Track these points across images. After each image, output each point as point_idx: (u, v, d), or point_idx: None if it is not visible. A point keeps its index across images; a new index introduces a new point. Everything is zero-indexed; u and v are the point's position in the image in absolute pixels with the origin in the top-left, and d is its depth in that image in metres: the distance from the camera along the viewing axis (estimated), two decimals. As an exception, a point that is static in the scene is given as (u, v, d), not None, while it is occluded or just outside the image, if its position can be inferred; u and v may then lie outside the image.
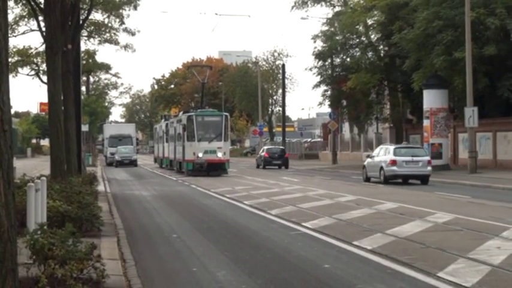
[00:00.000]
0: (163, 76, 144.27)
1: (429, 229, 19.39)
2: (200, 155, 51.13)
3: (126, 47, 63.14)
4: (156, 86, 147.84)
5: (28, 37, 79.55)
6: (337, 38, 70.00)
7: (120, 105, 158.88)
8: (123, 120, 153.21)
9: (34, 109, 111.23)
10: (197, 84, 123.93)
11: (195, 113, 55.17)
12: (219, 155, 51.72)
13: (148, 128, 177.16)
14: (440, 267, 13.29)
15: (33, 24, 43.31)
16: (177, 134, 60.52)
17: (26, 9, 41.70)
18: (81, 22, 38.01)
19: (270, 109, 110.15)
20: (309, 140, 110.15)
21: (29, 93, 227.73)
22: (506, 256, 14.51)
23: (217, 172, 52.05)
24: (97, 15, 52.46)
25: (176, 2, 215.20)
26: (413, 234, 18.33)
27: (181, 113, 64.74)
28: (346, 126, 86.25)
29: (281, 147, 76.72)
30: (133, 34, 61.13)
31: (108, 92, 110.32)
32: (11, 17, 42.50)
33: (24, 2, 37.59)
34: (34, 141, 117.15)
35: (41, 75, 61.64)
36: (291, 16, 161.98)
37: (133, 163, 76.39)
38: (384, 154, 43.43)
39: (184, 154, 54.48)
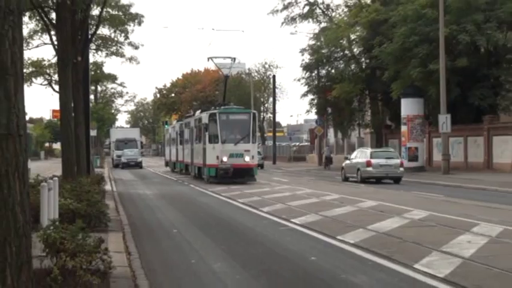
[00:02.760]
0: (164, 85, 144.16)
1: (406, 225, 19.42)
2: (225, 159, 39.63)
3: (130, 59, 63.05)
4: (158, 95, 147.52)
5: (41, 50, 79.84)
6: (323, 51, 70.12)
7: (125, 112, 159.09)
8: (128, 125, 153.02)
9: (47, 115, 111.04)
10: (195, 93, 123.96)
11: (218, 110, 42.59)
12: (247, 159, 40.19)
13: (151, 132, 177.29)
14: (416, 260, 13.31)
15: (46, 38, 43.18)
16: (196, 135, 48.29)
17: (40, 25, 41.54)
18: (89, 36, 37.96)
19: (261, 116, 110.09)
20: (297, 143, 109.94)
21: (42, 101, 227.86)
22: (476, 249, 14.58)
23: (244, 179, 40.77)
24: (104, 30, 52.45)
25: (176, 18, 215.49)
26: (392, 229, 18.36)
27: (198, 111, 51.36)
28: (331, 132, 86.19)
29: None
30: (137, 48, 61.06)
31: (115, 100, 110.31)
32: (25, 32, 42.46)
33: (37, 17, 37.36)
34: (47, 145, 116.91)
35: (53, 85, 61.48)
36: (281, 31, 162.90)
37: (138, 165, 75.00)
38: (360, 157, 44.71)
39: (205, 158, 42.26)
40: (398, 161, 43.87)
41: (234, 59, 50.15)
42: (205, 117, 43.09)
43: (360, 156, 45.05)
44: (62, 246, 10.57)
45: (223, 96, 54.17)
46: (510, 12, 50.34)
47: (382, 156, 43.69)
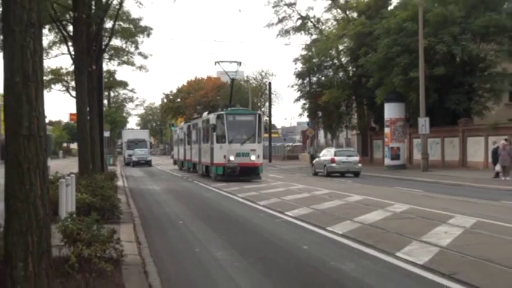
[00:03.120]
0: (171, 91, 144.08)
1: (389, 217, 19.41)
2: (232, 158, 38.17)
3: (140, 67, 63.03)
4: (165, 100, 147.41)
5: (60, 59, 79.91)
6: (314, 60, 70.10)
7: (135, 115, 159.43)
8: (138, 127, 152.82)
9: (65, 118, 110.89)
10: (198, 98, 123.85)
11: (225, 111, 40.84)
12: (253, 158, 38.61)
13: (159, 134, 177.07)
14: (398, 248, 13.35)
15: (63, 48, 43.09)
16: (203, 135, 46.14)
17: (58, 36, 41.45)
18: (103, 47, 37.89)
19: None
20: (290, 144, 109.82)
21: (60, 105, 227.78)
22: (452, 239, 14.60)
23: (250, 177, 38.99)
24: (116, 42, 52.28)
25: (182, 30, 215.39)
26: (376, 221, 18.38)
27: (205, 113, 49.83)
28: (321, 133, 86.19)
29: None
30: (146, 57, 61.01)
31: (126, 104, 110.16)
32: (45, 43, 42.33)
33: (56, 30, 37.34)
34: (65, 145, 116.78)
35: (71, 91, 61.62)
36: (276, 42, 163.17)
37: (148, 163, 74.16)
38: (327, 155, 48.53)
39: (212, 157, 40.59)
40: (357, 158, 47.71)
41: (240, 63, 48.44)
42: (212, 118, 41.26)
43: (326, 154, 48.80)
44: (78, 237, 10.60)
45: (230, 99, 51.47)
46: (482, 25, 50.38)
47: (344, 154, 48.13)
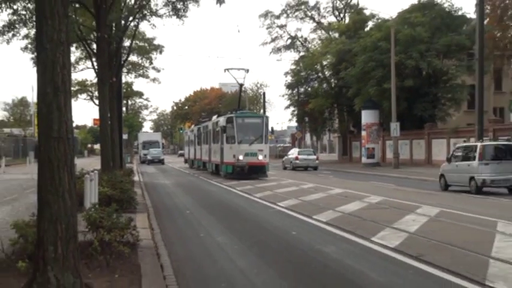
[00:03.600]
0: (180, 100, 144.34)
1: (365, 207, 19.44)
2: (241, 157, 35.66)
3: (153, 79, 63.10)
4: (175, 107, 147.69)
5: (85, 73, 80.00)
6: (302, 74, 70.31)
7: (149, 120, 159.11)
8: (151, 130, 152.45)
9: (89, 123, 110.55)
10: (203, 105, 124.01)
11: (235, 114, 38.31)
12: (260, 157, 36.15)
13: (169, 136, 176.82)
14: (373, 234, 13.37)
15: (88, 63, 43.10)
16: (213, 136, 43.50)
17: (84, 53, 41.51)
18: (122, 62, 37.93)
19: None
20: (282, 145, 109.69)
21: (85, 112, 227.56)
22: (419, 226, 14.64)
23: (257, 175, 36.60)
24: (133, 58, 52.37)
25: (189, 47, 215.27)
26: (354, 210, 18.40)
27: (215, 116, 47.22)
28: (308, 136, 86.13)
29: None
30: (159, 71, 60.98)
31: (141, 111, 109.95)
32: (72, 58, 42.33)
33: (82, 48, 37.37)
34: (89, 145, 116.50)
35: (94, 100, 61.69)
36: (269, 58, 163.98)
37: (161, 161, 73.17)
38: (293, 154, 54.60)
39: (222, 156, 38.36)
40: (314, 156, 54.62)
41: (248, 70, 46.88)
42: (223, 120, 38.80)
43: (293, 153, 54.88)
44: (100, 224, 10.61)
45: (238, 103, 49.15)
46: (445, 44, 50.62)
47: (305, 153, 54.53)
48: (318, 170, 49.70)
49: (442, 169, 28.55)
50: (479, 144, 26.36)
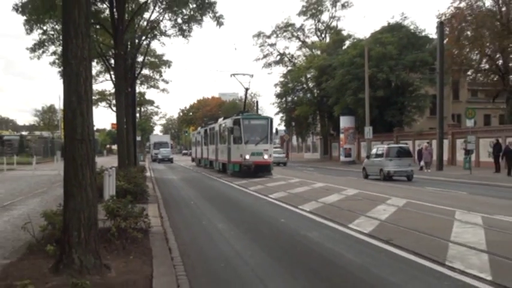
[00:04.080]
0: (185, 107, 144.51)
1: (343, 199, 19.44)
2: (247, 157, 33.14)
3: (163, 90, 62.81)
4: (181, 113, 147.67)
5: (104, 84, 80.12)
6: (289, 85, 70.30)
7: (159, 124, 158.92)
8: (161, 133, 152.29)
9: (108, 127, 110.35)
10: (205, 112, 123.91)
11: (241, 116, 35.33)
12: (265, 156, 33.57)
13: (176, 138, 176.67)
14: (349, 221, 13.39)
15: (107, 76, 42.91)
16: (220, 137, 40.06)
17: (103, 67, 41.43)
18: (136, 75, 37.96)
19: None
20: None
21: (105, 117, 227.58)
22: (389, 215, 14.67)
23: (262, 173, 34.09)
24: (146, 71, 52.28)
25: (193, 61, 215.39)
26: (334, 201, 18.41)
27: (220, 119, 44.33)
28: (294, 138, 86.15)
29: None
30: (167, 82, 61.16)
31: (152, 117, 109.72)
32: (94, 72, 42.24)
33: (102, 63, 37.33)
34: (108, 146, 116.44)
35: (112, 107, 61.41)
36: (261, 72, 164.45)
37: (170, 160, 71.95)
38: None
39: (230, 156, 35.36)
40: (284, 154, 58.08)
41: (252, 75, 45.06)
42: (230, 122, 35.60)
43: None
44: (117, 213, 10.63)
45: (244, 105, 46.69)
46: (411, 60, 50.80)
47: (277, 152, 52.35)
48: (294, 166, 49.63)
49: (364, 164, 34.45)
50: (385, 146, 33.22)
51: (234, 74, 42.08)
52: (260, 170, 34.00)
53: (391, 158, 30.48)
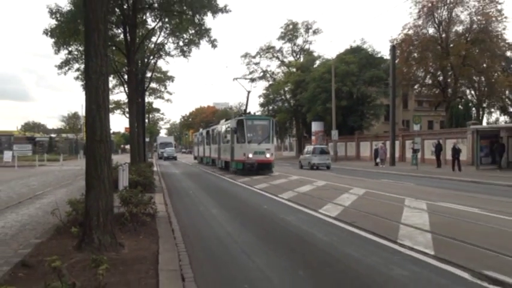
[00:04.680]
0: (185, 114, 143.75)
1: (314, 189, 19.47)
2: (250, 155, 29.58)
3: (167, 100, 62.97)
4: (182, 119, 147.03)
5: (119, 95, 79.26)
6: (270, 96, 70.14)
7: (164, 128, 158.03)
8: (166, 135, 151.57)
9: (122, 130, 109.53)
10: (202, 118, 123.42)
11: (245, 117, 31.71)
12: (268, 155, 29.93)
13: (178, 139, 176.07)
14: (319, 207, 13.41)
15: (121, 89, 42.74)
16: (224, 137, 35.57)
17: (118, 81, 41.22)
18: (145, 88, 37.80)
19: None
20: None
21: (119, 122, 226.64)
22: (351, 202, 14.71)
23: (264, 171, 30.21)
24: (153, 85, 52.16)
25: (192, 76, 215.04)
26: (307, 191, 18.44)
27: (222, 120, 41.08)
28: (274, 140, 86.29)
29: None
30: (171, 94, 61.56)
31: (158, 122, 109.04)
32: (110, 85, 41.98)
33: (117, 77, 37.16)
34: (122, 146, 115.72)
35: (126, 114, 61.03)
36: (249, 85, 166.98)
37: (174, 158, 69.81)
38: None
39: (233, 154, 31.37)
40: None
41: (254, 79, 40.75)
42: (234, 122, 31.64)
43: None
44: (129, 201, 10.58)
45: (245, 107, 39.36)
46: (369, 76, 51.13)
47: None
48: (279, 163, 49.41)
49: (300, 158, 39.63)
50: (312, 146, 39.27)
51: (236, 78, 39.57)
52: (262, 168, 30.12)
53: (315, 154, 36.05)
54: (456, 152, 30.12)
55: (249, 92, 39.03)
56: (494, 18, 46.24)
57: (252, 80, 73.41)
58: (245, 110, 39.38)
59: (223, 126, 36.73)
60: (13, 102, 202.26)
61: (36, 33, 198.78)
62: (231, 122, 33.14)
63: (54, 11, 23.47)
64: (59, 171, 33.47)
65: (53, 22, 23.84)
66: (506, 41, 48.55)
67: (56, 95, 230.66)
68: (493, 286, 6.17)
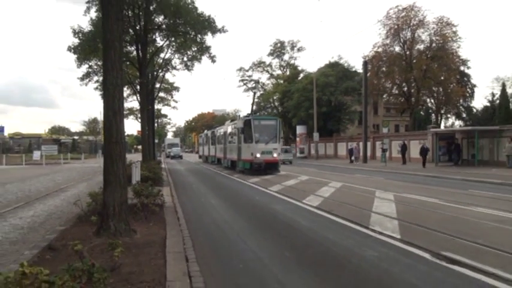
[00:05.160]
0: (189, 119, 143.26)
1: (298, 182, 19.42)
2: (258, 155, 25.84)
3: (173, 107, 63.19)
4: (186, 123, 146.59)
5: (132, 103, 78.80)
6: (261, 104, 70.08)
7: (171, 131, 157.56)
8: (172, 137, 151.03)
9: (135, 133, 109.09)
10: (203, 123, 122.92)
11: (252, 117, 27.93)
12: (275, 155, 26.22)
13: (183, 141, 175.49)
14: (303, 198, 13.39)
15: (134, 97, 42.45)
16: (230, 137, 31.51)
17: (132, 91, 40.97)
18: (155, 97, 37.58)
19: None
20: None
21: (132, 126, 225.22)
22: (330, 193, 14.68)
23: (271, 171, 26.27)
24: (161, 94, 51.91)
25: (194, 86, 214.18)
26: (292, 184, 18.36)
27: (228, 121, 36.77)
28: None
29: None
30: (176, 102, 61.37)
31: (166, 126, 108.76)
32: (125, 94, 41.70)
33: (131, 88, 36.98)
34: (135, 146, 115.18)
35: (138, 119, 60.60)
36: (242, 95, 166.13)
37: (180, 157, 67.67)
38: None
39: (240, 154, 27.70)
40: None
41: (258, 81, 38.21)
42: (241, 122, 27.62)
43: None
44: (141, 193, 10.52)
45: (251, 108, 36.63)
46: (345, 87, 51.18)
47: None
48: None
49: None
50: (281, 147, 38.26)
51: (242, 80, 35.14)
52: (269, 167, 26.21)
53: (282, 153, 35.50)
54: (425, 151, 30.22)
55: (254, 92, 32.14)
56: (450, 39, 46.69)
57: (247, 90, 73.56)
58: (251, 110, 34.14)
59: (229, 127, 32.91)
60: (41, 109, 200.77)
61: (61, 50, 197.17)
62: (237, 122, 29.29)
63: (77, 31, 23.35)
64: (81, 168, 33.26)
65: (76, 40, 23.71)
66: (460, 58, 49.23)
67: (78, 103, 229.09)
68: (449, 265, 6.20)
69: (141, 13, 23.25)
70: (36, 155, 44.43)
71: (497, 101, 42.76)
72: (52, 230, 8.58)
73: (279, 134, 27.11)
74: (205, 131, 51.85)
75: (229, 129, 32.09)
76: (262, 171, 25.24)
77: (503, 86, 41.88)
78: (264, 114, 69.81)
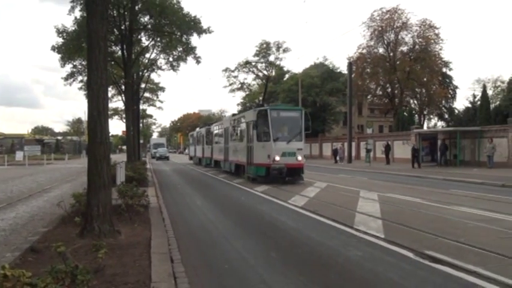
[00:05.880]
0: (175, 120, 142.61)
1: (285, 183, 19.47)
2: (277, 158, 18.36)
3: (159, 108, 62.29)
4: (172, 124, 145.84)
5: (117, 103, 77.49)
6: (247, 105, 69.81)
7: (156, 131, 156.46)
8: (158, 136, 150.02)
9: (120, 133, 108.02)
10: (189, 123, 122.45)
11: (269, 107, 20.17)
12: (299, 158, 18.83)
13: (168, 141, 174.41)
14: (288, 199, 13.42)
15: (119, 97, 42.06)
16: (233, 134, 24.60)
17: (117, 91, 40.59)
18: (140, 97, 37.31)
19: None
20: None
21: (117, 126, 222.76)
22: (315, 194, 14.75)
23: (293, 178, 19.05)
24: (147, 94, 51.55)
25: (179, 86, 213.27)
26: (277, 185, 18.41)
27: (229, 115, 32.20)
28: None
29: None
30: (162, 102, 60.78)
31: (151, 126, 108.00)
32: (110, 94, 41.29)
33: (115, 88, 36.64)
34: (119, 146, 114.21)
35: (123, 119, 60.16)
36: (228, 96, 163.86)
37: (167, 158, 64.52)
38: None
39: (251, 156, 19.98)
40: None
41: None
42: (253, 114, 19.95)
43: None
44: (126, 194, 10.40)
45: (263, 96, 32.91)
46: (330, 88, 51.52)
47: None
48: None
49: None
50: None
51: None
52: (292, 174, 19.06)
53: None
54: (416, 151, 30.42)
55: (267, 77, 26.88)
56: (432, 41, 47.37)
57: (232, 90, 73.34)
58: (263, 98, 29.22)
59: (232, 121, 25.41)
60: (24, 109, 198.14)
61: (44, 49, 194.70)
62: (247, 114, 22.13)
63: (61, 30, 23.07)
64: (64, 169, 32.82)
65: (60, 40, 23.45)
66: (443, 59, 50.06)
67: (62, 103, 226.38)
68: (432, 263, 6.27)
69: (126, 13, 23.07)
70: (19, 155, 43.76)
71: (478, 102, 43.44)
72: (35, 232, 8.44)
73: (304, 129, 19.67)
74: (198, 129, 45.38)
75: (233, 125, 25.07)
76: (281, 180, 18.87)
77: (484, 87, 42.56)
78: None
